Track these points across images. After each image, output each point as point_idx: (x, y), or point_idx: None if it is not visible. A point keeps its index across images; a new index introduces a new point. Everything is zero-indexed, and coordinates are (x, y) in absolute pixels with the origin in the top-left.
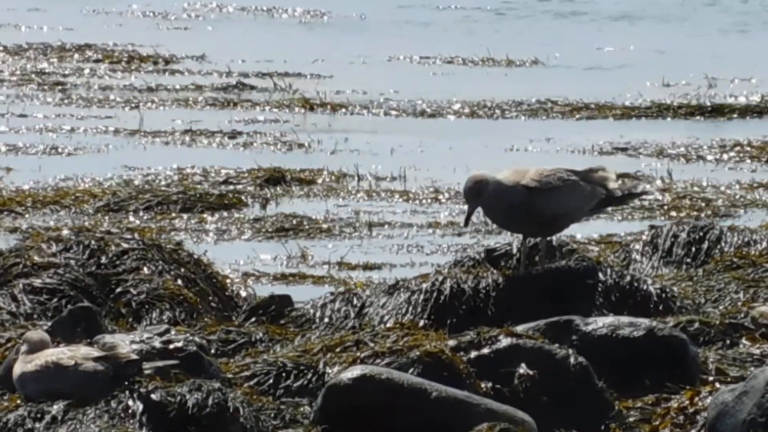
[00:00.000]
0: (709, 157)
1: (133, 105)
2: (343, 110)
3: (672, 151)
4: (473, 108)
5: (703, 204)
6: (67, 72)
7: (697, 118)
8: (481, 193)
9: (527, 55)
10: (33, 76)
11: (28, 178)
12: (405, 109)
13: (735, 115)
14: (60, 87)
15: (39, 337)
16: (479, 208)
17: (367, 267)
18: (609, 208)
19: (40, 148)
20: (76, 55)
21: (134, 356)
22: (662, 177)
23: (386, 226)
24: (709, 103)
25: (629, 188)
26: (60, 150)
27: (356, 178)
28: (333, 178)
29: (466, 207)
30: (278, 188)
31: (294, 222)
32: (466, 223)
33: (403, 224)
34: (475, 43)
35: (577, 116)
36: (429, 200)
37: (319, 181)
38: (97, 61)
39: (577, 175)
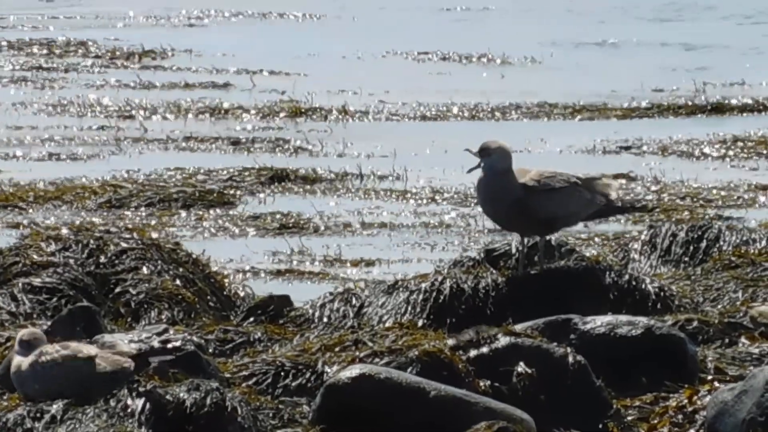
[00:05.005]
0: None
1: (127, 114)
2: (334, 114)
3: (676, 148)
4: (471, 110)
5: (704, 201)
6: (65, 71)
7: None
8: (488, 153)
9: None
10: (31, 74)
11: (27, 177)
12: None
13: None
14: (56, 86)
15: (31, 333)
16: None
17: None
18: (607, 218)
19: (40, 153)
20: (78, 52)
21: (134, 352)
22: (655, 176)
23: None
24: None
25: (630, 202)
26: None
27: (359, 177)
28: (336, 177)
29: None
30: (281, 185)
31: (293, 219)
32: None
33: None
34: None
35: (578, 117)
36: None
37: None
38: (97, 57)
39: (580, 182)
